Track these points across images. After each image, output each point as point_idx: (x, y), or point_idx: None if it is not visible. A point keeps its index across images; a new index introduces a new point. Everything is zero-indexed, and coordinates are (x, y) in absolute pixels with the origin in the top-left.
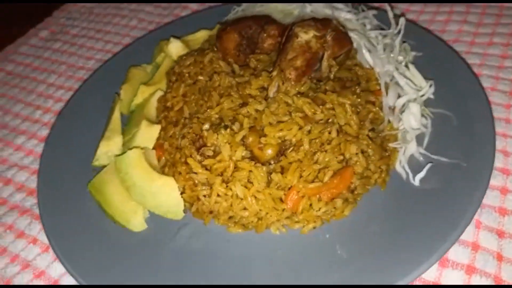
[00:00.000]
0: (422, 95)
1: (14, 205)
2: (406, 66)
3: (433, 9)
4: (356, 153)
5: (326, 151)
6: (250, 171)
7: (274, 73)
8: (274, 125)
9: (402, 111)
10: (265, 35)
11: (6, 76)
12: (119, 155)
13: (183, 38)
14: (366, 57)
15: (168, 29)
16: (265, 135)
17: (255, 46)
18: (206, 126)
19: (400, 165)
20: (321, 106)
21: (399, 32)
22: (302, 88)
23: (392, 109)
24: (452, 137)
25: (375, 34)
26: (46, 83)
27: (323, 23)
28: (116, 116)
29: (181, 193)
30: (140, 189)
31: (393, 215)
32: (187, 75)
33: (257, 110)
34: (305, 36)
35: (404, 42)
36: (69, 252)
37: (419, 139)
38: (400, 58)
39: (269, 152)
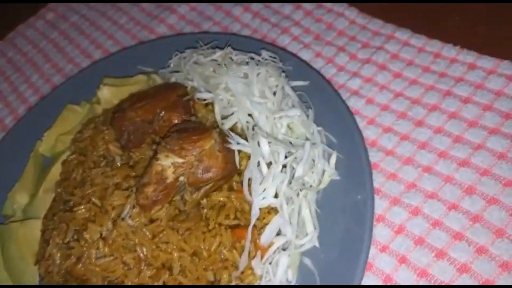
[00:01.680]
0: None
1: None
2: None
3: None
4: None
5: None
6: None
7: (134, 190)
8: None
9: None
10: (161, 121)
11: None
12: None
13: (121, 81)
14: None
15: (117, 59)
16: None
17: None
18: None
19: None
20: (163, 247)
21: None
22: (158, 213)
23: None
24: None
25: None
26: None
27: (191, 143)
28: (28, 169)
29: None
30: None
31: None
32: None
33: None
34: (164, 161)
35: None
36: None
37: None
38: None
39: None
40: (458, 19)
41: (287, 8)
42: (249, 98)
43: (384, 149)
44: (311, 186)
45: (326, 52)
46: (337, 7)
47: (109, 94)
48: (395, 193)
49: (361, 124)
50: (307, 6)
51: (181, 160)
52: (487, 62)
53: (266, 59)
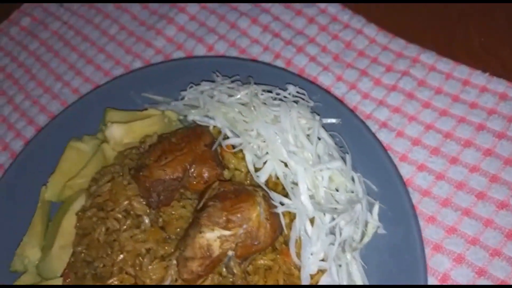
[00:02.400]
0: None
1: None
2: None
3: None
4: None
5: None
6: None
7: (173, 261)
8: None
9: None
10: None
11: None
12: None
13: (128, 115)
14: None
15: (123, 83)
16: None
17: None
18: None
19: None
20: None
21: None
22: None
23: None
24: None
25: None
26: None
27: (236, 213)
28: (36, 220)
29: None
30: None
31: None
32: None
33: None
34: (209, 234)
35: None
36: None
37: None
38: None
39: None
40: (483, 40)
41: (299, 22)
42: (284, 147)
43: (420, 189)
44: (356, 242)
45: (348, 76)
46: (354, 22)
47: (118, 133)
48: (436, 239)
49: (394, 161)
50: (320, 20)
51: (227, 233)
52: None
53: (294, 96)
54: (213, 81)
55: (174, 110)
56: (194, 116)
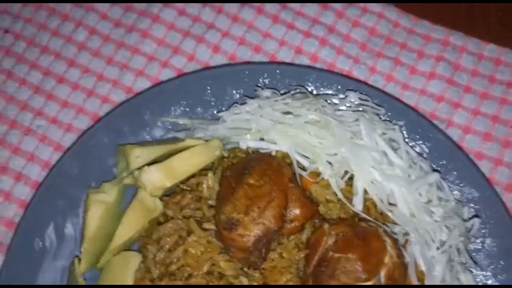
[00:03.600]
0: None
1: None
2: None
3: None
4: None
5: None
6: None
7: None
8: None
9: None
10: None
11: None
12: None
13: (157, 150)
14: None
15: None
16: None
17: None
18: None
19: None
20: None
21: None
22: None
23: None
24: None
25: None
26: None
27: (371, 263)
28: None
29: None
30: None
31: None
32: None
33: None
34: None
35: None
36: None
37: None
38: None
39: None
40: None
41: (311, 9)
42: (376, 169)
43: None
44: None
45: (382, 66)
46: (372, 6)
47: (158, 176)
48: None
49: None
50: (336, 5)
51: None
52: None
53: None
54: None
55: (216, 137)
56: (247, 142)
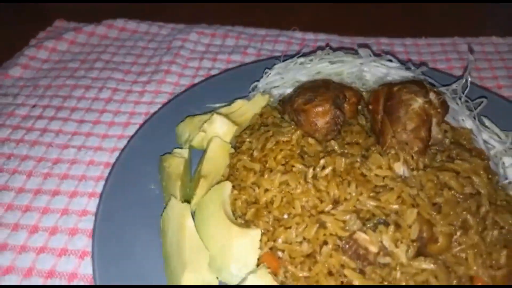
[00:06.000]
0: (510, 148)
1: None
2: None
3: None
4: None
5: (487, 228)
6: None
7: (392, 150)
8: (443, 211)
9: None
10: (345, 105)
11: None
12: None
13: (220, 112)
14: (462, 117)
15: (178, 104)
16: (434, 225)
17: (344, 117)
18: (356, 225)
19: None
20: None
21: (464, 88)
22: (426, 160)
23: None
24: None
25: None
26: None
27: (422, 86)
28: (189, 228)
29: None
30: None
31: None
32: (272, 160)
33: (411, 196)
34: (417, 102)
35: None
36: None
37: None
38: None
39: (445, 243)
40: None
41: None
42: None
43: None
44: None
45: None
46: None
47: (225, 126)
48: None
49: None
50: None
51: (427, 98)
52: None
53: None
54: None
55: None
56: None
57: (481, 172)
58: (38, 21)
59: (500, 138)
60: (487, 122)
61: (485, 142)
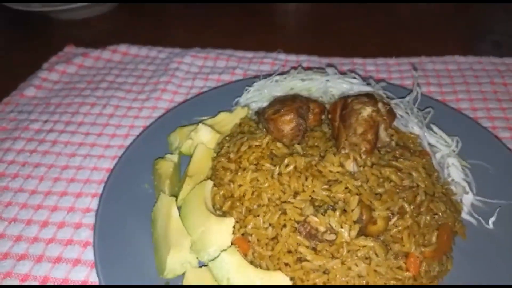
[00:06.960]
0: (454, 150)
1: None
2: (428, 127)
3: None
4: (444, 210)
5: (421, 213)
6: (367, 246)
7: (346, 150)
8: (380, 198)
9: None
10: (309, 115)
11: None
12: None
13: (205, 123)
14: (411, 124)
15: (170, 118)
16: (373, 210)
17: (306, 125)
18: (309, 210)
19: (467, 214)
20: (400, 173)
21: (415, 99)
22: (373, 159)
23: (441, 166)
24: (495, 182)
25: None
26: None
27: (372, 97)
28: (175, 217)
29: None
30: None
31: (488, 257)
32: (245, 161)
33: (356, 187)
34: (366, 111)
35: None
36: None
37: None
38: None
39: (382, 225)
40: None
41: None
42: None
43: None
44: None
45: None
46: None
47: (209, 134)
48: None
49: None
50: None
51: (375, 108)
52: None
53: None
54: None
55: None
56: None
57: (420, 169)
58: (50, 47)
59: (446, 142)
60: (435, 128)
61: (432, 145)
